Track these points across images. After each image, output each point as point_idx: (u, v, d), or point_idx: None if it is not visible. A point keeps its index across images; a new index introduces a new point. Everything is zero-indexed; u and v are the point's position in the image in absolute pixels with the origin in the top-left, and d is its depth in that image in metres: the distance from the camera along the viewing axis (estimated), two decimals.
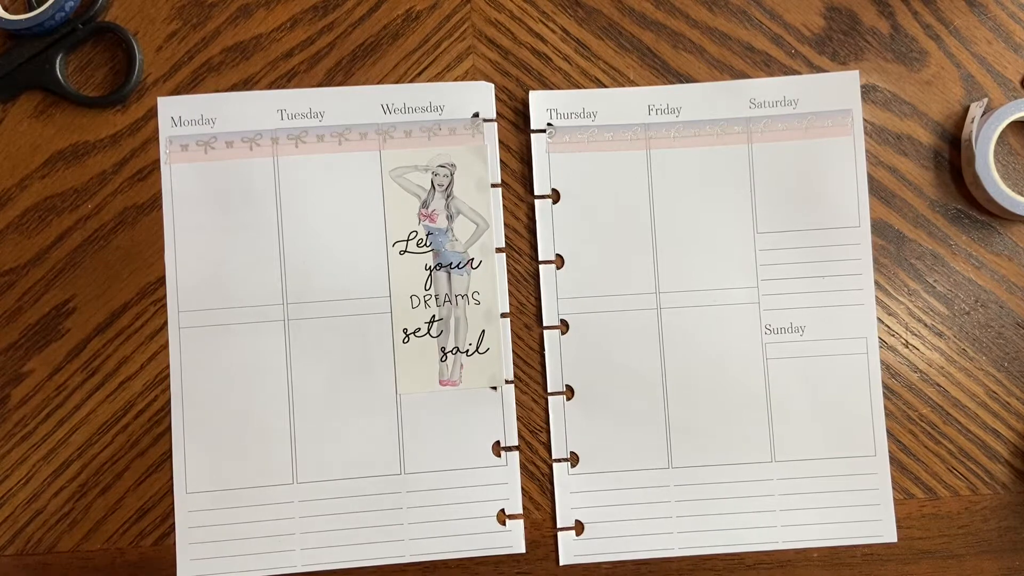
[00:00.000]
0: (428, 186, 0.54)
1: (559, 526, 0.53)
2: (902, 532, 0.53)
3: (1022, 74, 0.55)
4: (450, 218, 0.54)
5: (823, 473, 0.53)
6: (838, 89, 0.55)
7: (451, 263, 0.54)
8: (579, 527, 0.53)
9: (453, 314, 0.53)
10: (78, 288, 0.55)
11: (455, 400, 0.53)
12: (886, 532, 0.53)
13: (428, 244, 0.54)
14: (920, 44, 0.56)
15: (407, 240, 0.54)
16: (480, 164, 0.54)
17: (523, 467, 0.54)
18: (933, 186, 0.55)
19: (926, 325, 0.54)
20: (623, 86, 0.56)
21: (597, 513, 0.53)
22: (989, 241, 0.55)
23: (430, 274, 0.54)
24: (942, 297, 0.54)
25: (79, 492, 0.54)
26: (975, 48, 0.56)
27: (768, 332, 0.53)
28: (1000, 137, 0.54)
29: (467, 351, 0.53)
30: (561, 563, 0.53)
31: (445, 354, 0.53)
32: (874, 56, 0.55)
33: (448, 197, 0.54)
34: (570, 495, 0.53)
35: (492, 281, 0.54)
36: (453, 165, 0.54)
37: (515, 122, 0.56)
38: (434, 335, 0.53)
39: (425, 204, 0.54)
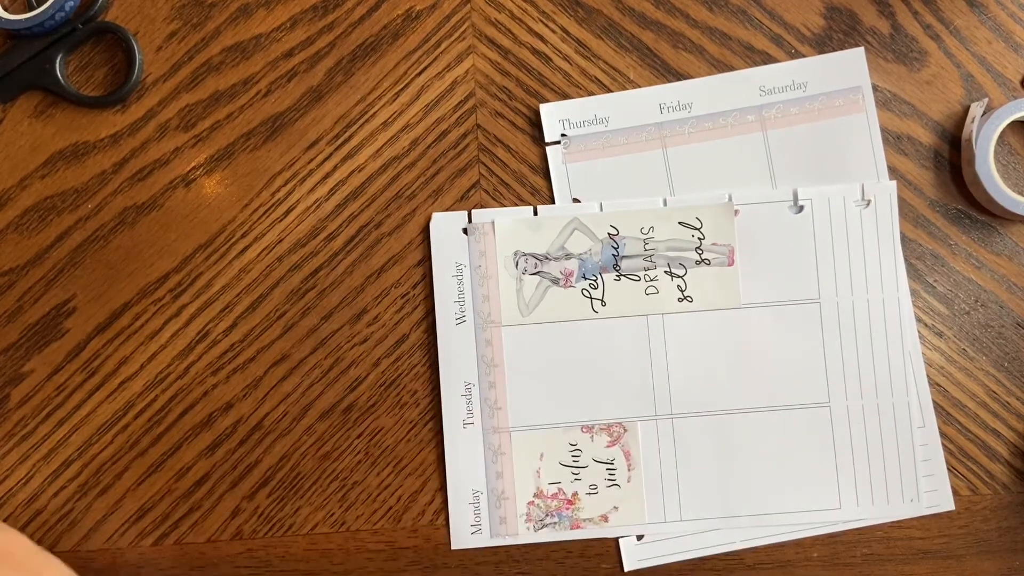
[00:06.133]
0: None
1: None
2: (902, 532, 0.53)
3: (1022, 74, 0.55)
4: None
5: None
6: (845, 67, 0.55)
7: None
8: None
9: None
10: (78, 288, 0.55)
11: None
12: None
13: None
14: (920, 44, 0.56)
15: None
16: None
17: None
18: (933, 186, 0.55)
19: (926, 325, 0.54)
20: (623, 86, 0.56)
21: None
22: (989, 241, 0.54)
23: None
24: (942, 297, 0.54)
25: (79, 492, 0.54)
26: (975, 48, 0.56)
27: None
28: (1000, 137, 0.54)
29: None
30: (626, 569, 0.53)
31: None
32: (874, 56, 0.55)
33: None
34: None
35: None
36: None
37: (515, 122, 0.56)
38: None
39: None
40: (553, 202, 0.55)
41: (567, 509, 0.53)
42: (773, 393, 0.53)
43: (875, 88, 0.55)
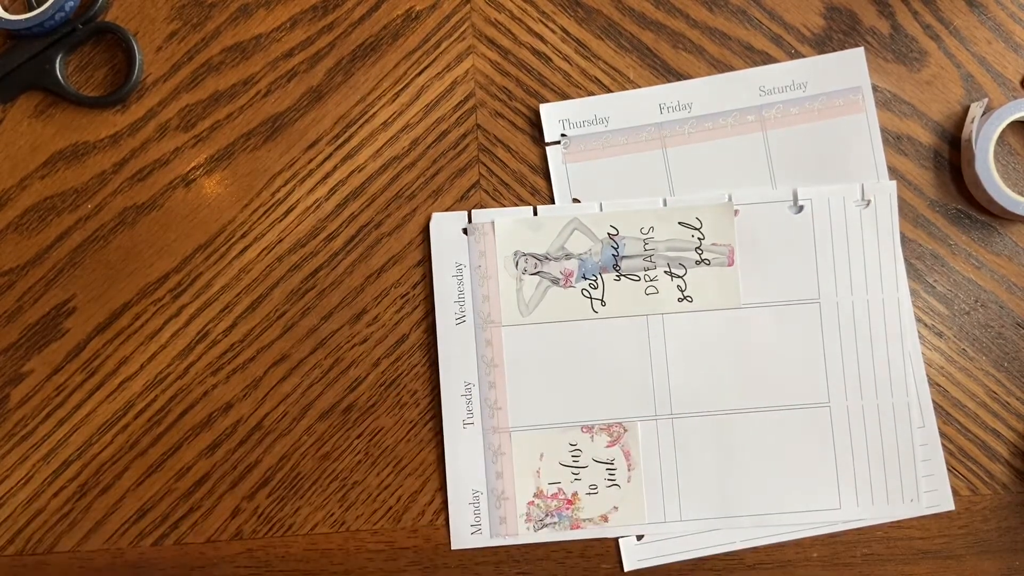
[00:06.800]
0: None
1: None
2: (902, 532, 0.53)
3: (1022, 74, 0.55)
4: None
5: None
6: (845, 67, 0.55)
7: None
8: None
9: None
10: (78, 288, 0.55)
11: None
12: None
13: None
14: (920, 44, 0.56)
15: None
16: None
17: None
18: (933, 186, 0.55)
19: (926, 325, 0.54)
20: (623, 86, 0.56)
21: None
22: (989, 241, 0.54)
23: None
24: (942, 297, 0.54)
25: (79, 492, 0.54)
26: (975, 48, 0.56)
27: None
28: (1000, 137, 0.54)
29: None
30: (626, 569, 0.53)
31: None
32: (874, 56, 0.55)
33: None
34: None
35: None
36: None
37: (515, 122, 0.56)
38: None
39: None
40: (553, 202, 0.55)
41: (567, 509, 0.53)
42: (773, 393, 0.53)
43: (875, 88, 0.55)
